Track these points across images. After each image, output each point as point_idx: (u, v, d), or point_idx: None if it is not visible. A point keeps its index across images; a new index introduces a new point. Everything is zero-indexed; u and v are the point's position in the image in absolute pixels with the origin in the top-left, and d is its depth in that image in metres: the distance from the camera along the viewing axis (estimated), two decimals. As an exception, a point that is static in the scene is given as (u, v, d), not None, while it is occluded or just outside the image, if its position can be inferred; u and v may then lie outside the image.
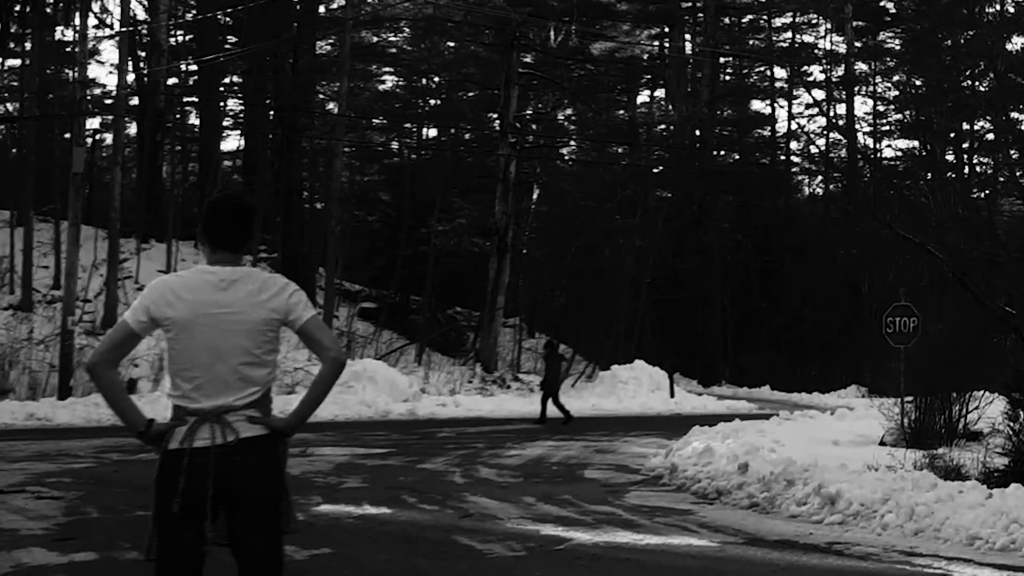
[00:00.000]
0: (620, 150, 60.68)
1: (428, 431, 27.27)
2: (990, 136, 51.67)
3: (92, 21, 47.79)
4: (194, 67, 52.50)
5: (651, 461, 19.48)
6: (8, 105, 58.21)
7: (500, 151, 45.98)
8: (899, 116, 63.22)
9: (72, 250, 33.01)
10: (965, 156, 56.14)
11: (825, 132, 67.69)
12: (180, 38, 55.74)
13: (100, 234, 41.59)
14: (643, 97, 72.50)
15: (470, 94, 58.24)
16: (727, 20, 68.10)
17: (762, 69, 67.65)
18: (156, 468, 5.46)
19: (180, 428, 5.47)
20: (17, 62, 51.18)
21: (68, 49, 50.25)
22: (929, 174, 44.49)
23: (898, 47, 64.20)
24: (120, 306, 38.15)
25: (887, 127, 65.18)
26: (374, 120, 59.30)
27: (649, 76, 69.61)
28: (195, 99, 57.64)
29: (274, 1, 43.39)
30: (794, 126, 67.54)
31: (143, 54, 50.32)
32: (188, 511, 5.38)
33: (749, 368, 55.02)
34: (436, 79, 59.11)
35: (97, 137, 58.00)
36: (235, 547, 5.55)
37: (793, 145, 68.75)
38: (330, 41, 57.35)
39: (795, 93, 67.47)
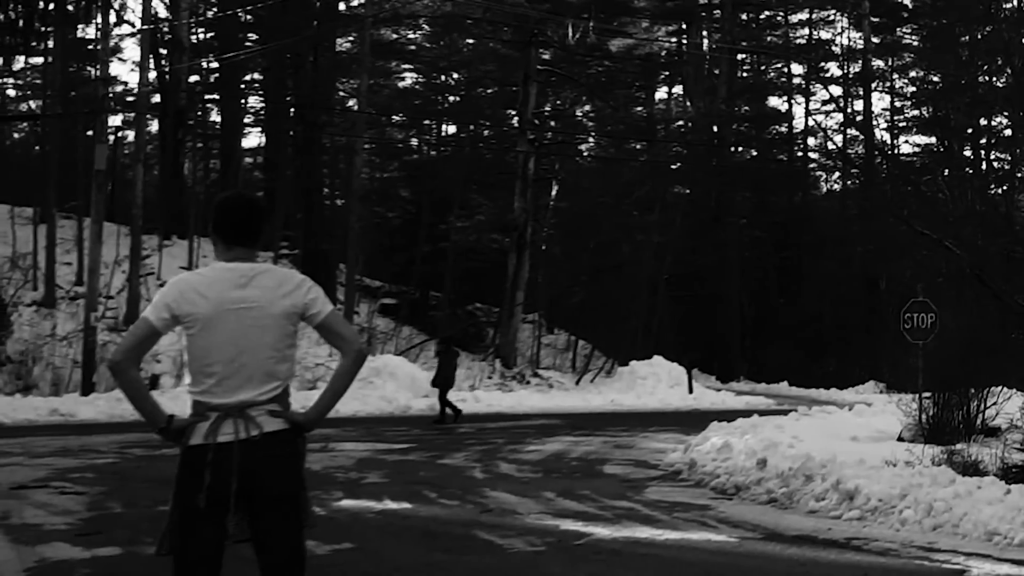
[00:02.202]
0: (638, 147, 60.66)
1: (448, 426, 27.33)
2: (1008, 132, 51.64)
3: (114, 19, 48.09)
4: (215, 64, 52.65)
5: (670, 457, 19.51)
6: (31, 103, 58.49)
7: (519, 148, 46.02)
8: (916, 112, 63.12)
9: (95, 247, 33.15)
10: (982, 152, 56.03)
11: (842, 128, 67.64)
12: (201, 36, 55.85)
13: (122, 231, 41.71)
14: (661, 94, 72.51)
15: (489, 91, 58.23)
16: (745, 16, 68.02)
17: (779, 65, 67.54)
18: (177, 464, 5.52)
19: (202, 424, 5.51)
20: (40, 60, 51.38)
21: (90, 47, 50.37)
22: (946, 170, 44.45)
23: (915, 43, 64.09)
24: (143, 302, 38.31)
25: (904, 123, 65.05)
26: (394, 117, 59.34)
27: (667, 73, 69.49)
28: (216, 96, 57.81)
29: (294, -2, 43.55)
30: (811, 122, 67.55)
31: (164, 52, 50.44)
32: (211, 506, 5.42)
33: (767, 364, 55.00)
34: (455, 76, 59.19)
35: (119, 134, 58.25)
36: (259, 542, 5.59)
37: (810, 141, 68.83)
38: (350, 38, 57.41)
39: (812, 89, 67.47)
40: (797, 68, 67.68)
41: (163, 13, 49.28)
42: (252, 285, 5.60)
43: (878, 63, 64.81)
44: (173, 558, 5.52)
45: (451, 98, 60.59)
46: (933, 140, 60.77)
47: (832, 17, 67.70)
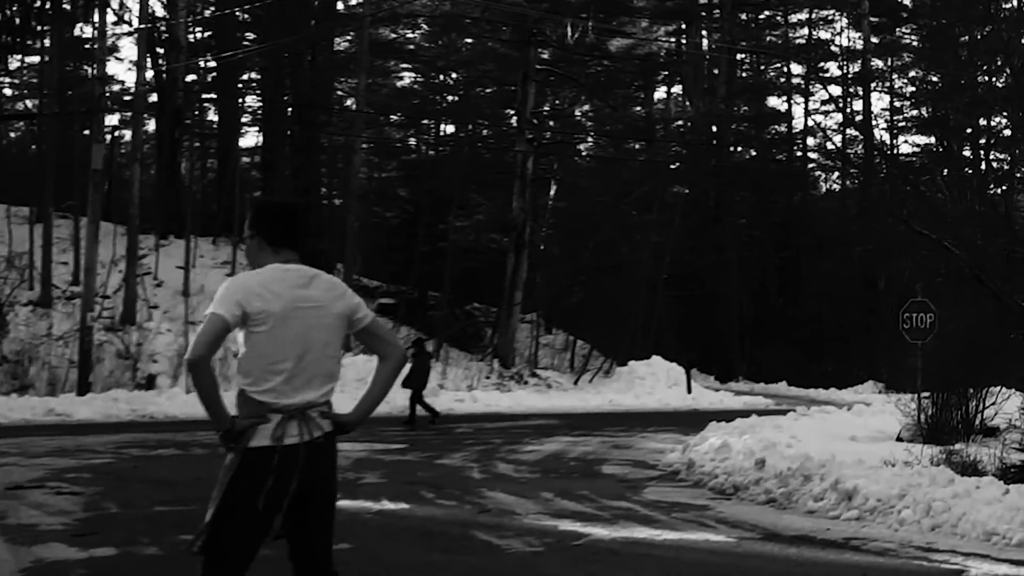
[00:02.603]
0: (637, 146, 60.69)
1: (446, 426, 27.28)
2: (1007, 132, 51.55)
3: (111, 18, 48.09)
4: (213, 64, 52.60)
5: (668, 457, 19.51)
6: (28, 102, 58.43)
7: (517, 147, 45.98)
8: (916, 112, 63.07)
9: (91, 246, 33.10)
10: (982, 152, 55.96)
11: (842, 128, 67.65)
12: (199, 35, 55.85)
13: (119, 230, 41.65)
14: (660, 93, 72.63)
15: (487, 90, 58.25)
16: (744, 16, 68.09)
17: (779, 65, 67.57)
18: (233, 465, 5.51)
19: (265, 425, 5.52)
20: (37, 59, 51.33)
21: (87, 46, 50.37)
22: (946, 170, 44.43)
23: (915, 43, 64.05)
24: (139, 302, 38.26)
25: (904, 123, 65.00)
26: (392, 116, 59.34)
27: (666, 72, 69.61)
28: (214, 96, 57.75)
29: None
30: (811, 122, 67.52)
31: (162, 51, 50.41)
32: (268, 508, 5.49)
33: (766, 364, 55.00)
34: (453, 75, 59.15)
35: (116, 134, 58.25)
36: (304, 540, 5.70)
37: (810, 141, 68.78)
38: (348, 37, 57.38)
39: (812, 89, 67.44)
40: (796, 68, 67.85)
41: (160, 12, 49.30)
42: (313, 286, 5.72)
43: (877, 63, 64.83)
44: (207, 556, 5.54)
45: (450, 97, 60.56)
46: (932, 140, 60.69)
47: (831, 17, 67.76)
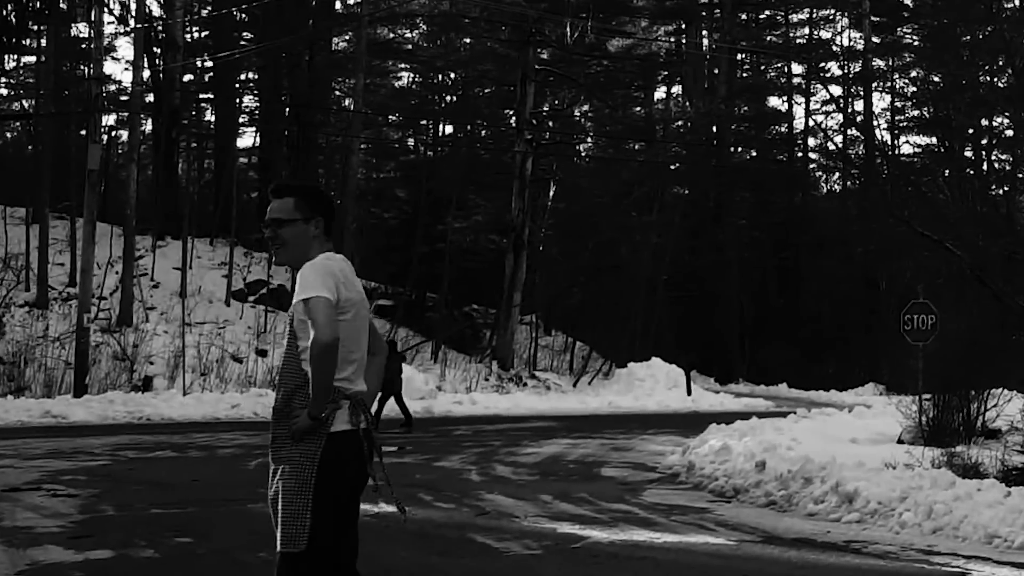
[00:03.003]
0: (637, 147, 60.62)
1: (444, 429, 27.26)
2: (1009, 132, 51.58)
3: (108, 18, 47.95)
4: (210, 64, 52.54)
5: (668, 459, 19.47)
6: (24, 102, 58.33)
7: (516, 148, 45.91)
8: (917, 112, 63.06)
9: (88, 247, 32.99)
10: (983, 152, 55.98)
11: (842, 128, 67.65)
12: (196, 34, 55.80)
13: (116, 231, 41.63)
14: (660, 93, 72.59)
15: (486, 91, 58.16)
16: (744, 16, 68.05)
17: (779, 65, 67.56)
18: (315, 456, 5.48)
19: (340, 411, 5.51)
20: (33, 59, 51.25)
21: (84, 46, 50.27)
22: (947, 170, 44.42)
23: (916, 43, 64.02)
24: (136, 303, 38.16)
25: (905, 123, 65.00)
26: (390, 117, 59.26)
27: (666, 72, 69.54)
28: (211, 96, 57.74)
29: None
30: (811, 122, 67.56)
31: (159, 51, 50.33)
32: (357, 491, 5.64)
33: (766, 365, 54.99)
34: (452, 75, 59.07)
35: (113, 134, 58.11)
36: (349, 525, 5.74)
37: (810, 141, 68.83)
38: (346, 37, 57.35)
39: (812, 89, 67.48)
40: (797, 68, 67.87)
41: (157, 12, 49.25)
42: (355, 279, 5.74)
43: (878, 63, 64.76)
44: (309, 553, 5.47)
45: (448, 98, 60.52)
46: (934, 140, 60.72)
47: (832, 16, 67.74)
